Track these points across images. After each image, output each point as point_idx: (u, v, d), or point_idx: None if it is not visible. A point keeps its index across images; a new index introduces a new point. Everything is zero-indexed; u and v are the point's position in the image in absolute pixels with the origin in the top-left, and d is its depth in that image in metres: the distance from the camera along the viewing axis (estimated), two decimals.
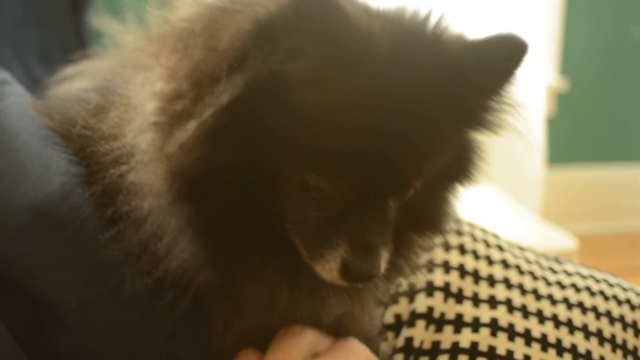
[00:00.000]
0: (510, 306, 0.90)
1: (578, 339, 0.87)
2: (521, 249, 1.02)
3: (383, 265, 0.66)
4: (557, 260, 1.02)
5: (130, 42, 0.73)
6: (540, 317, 0.89)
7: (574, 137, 3.33)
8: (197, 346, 0.72)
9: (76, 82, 0.82)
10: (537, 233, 2.22)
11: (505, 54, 0.69)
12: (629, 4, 3.28)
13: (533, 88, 2.72)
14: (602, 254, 2.99)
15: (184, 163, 0.60)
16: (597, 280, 0.96)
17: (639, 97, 3.44)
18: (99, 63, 0.83)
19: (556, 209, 3.01)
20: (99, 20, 0.80)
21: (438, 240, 0.83)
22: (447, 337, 0.86)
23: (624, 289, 0.95)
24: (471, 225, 1.01)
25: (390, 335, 0.89)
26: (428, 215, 0.76)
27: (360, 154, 0.61)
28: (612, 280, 0.97)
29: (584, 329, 0.88)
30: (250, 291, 0.69)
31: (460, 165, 0.74)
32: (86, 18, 1.48)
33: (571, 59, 3.23)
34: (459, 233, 0.98)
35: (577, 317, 0.89)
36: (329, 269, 0.65)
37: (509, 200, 2.48)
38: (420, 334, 0.87)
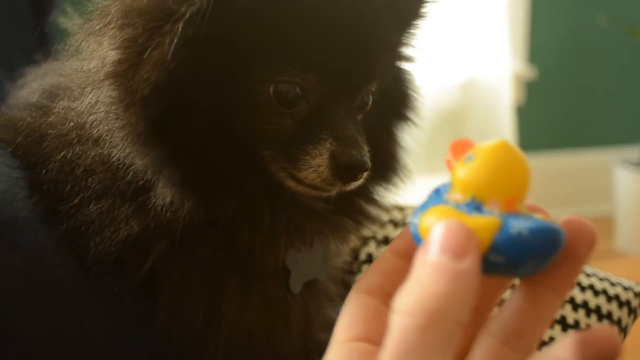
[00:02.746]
0: None
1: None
2: None
3: (369, 160, 0.69)
4: None
5: (80, 24, 0.74)
6: None
7: (543, 124, 3.36)
8: (137, 345, 0.72)
9: (28, 87, 0.83)
10: None
11: None
12: None
13: (500, 76, 2.74)
14: None
15: (157, 85, 0.64)
16: (588, 275, 0.96)
17: (606, 83, 3.48)
18: (55, 63, 0.83)
19: (528, 196, 3.03)
20: (64, 19, 0.80)
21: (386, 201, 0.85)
22: None
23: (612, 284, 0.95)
24: None
25: None
26: (383, 155, 0.79)
27: (324, 49, 0.68)
28: (601, 274, 0.98)
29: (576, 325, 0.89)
30: (234, 213, 0.70)
31: (399, 97, 0.83)
32: (50, 19, 1.46)
33: (538, 47, 3.26)
34: None
35: (570, 315, 0.90)
36: (317, 168, 0.67)
37: None
38: None
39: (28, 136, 0.74)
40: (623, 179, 2.96)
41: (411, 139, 0.88)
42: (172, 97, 0.65)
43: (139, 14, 0.66)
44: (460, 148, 0.47)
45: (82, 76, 0.71)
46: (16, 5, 1.45)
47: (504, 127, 2.70)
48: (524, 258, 0.42)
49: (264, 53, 0.67)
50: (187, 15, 0.64)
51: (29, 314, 0.68)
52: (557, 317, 0.89)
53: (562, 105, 3.41)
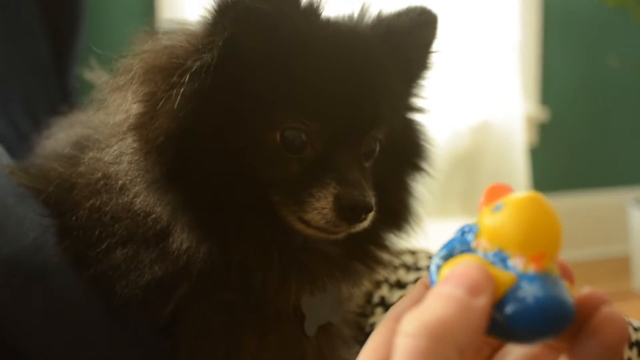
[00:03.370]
0: None
1: None
2: None
3: (373, 201, 0.71)
4: None
5: (106, 80, 0.79)
6: None
7: (557, 166, 3.36)
8: None
9: (54, 137, 0.86)
10: None
11: (415, 18, 0.83)
12: (604, 33, 3.34)
13: (513, 118, 2.75)
14: (593, 280, 3.00)
15: (170, 133, 0.68)
16: None
17: (619, 123, 3.48)
18: (81, 115, 0.87)
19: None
20: (89, 73, 0.84)
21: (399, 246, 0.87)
22: None
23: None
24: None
25: None
26: (394, 204, 0.83)
27: (325, 98, 0.72)
28: None
29: None
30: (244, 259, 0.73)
31: (410, 147, 0.86)
32: (73, 71, 1.50)
33: (550, 89, 3.27)
34: None
35: None
36: (321, 210, 0.70)
37: None
38: None
39: (59, 185, 0.77)
40: (638, 219, 2.94)
41: (424, 183, 0.90)
42: (184, 144, 0.69)
43: (158, 70, 0.71)
44: (496, 193, 0.47)
45: (109, 129, 0.75)
46: (38, 53, 1.49)
47: (517, 169, 2.71)
48: (523, 324, 0.41)
49: (269, 102, 0.71)
50: (194, 68, 0.68)
51: (59, 357, 0.70)
52: None
53: (576, 146, 3.41)
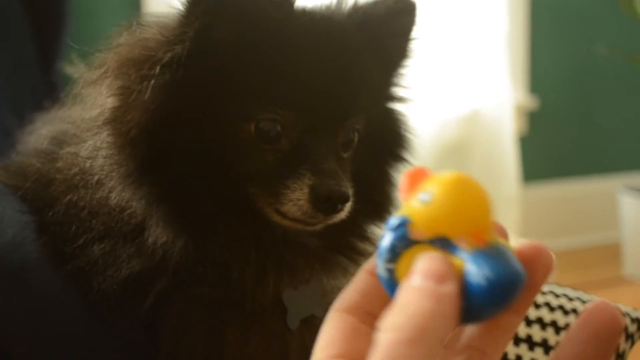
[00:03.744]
0: None
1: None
2: None
3: (350, 191, 0.71)
4: None
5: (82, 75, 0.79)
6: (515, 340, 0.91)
7: (546, 154, 3.37)
8: None
9: (36, 133, 0.86)
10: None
11: (392, 6, 0.82)
12: (592, 21, 3.34)
13: (502, 107, 2.75)
14: (584, 267, 3.01)
15: (142, 125, 0.68)
16: (557, 295, 0.97)
17: (608, 110, 3.49)
18: (61, 110, 0.87)
19: (534, 226, 3.04)
20: (71, 68, 0.84)
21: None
22: None
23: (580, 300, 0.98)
24: None
25: None
26: (375, 195, 0.82)
27: (298, 87, 0.72)
28: (572, 294, 0.99)
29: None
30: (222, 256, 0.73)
31: (391, 137, 0.86)
32: (58, 67, 1.50)
33: (539, 78, 3.28)
34: None
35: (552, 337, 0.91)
36: (297, 201, 0.70)
37: None
38: None
39: (37, 181, 0.77)
40: (628, 205, 2.96)
41: None
42: (157, 137, 0.69)
43: (132, 63, 0.71)
44: (416, 177, 0.47)
45: (85, 123, 0.75)
46: (23, 53, 1.49)
47: (507, 158, 2.71)
48: (482, 305, 0.42)
49: (243, 93, 0.71)
50: (165, 60, 0.68)
51: (39, 353, 0.70)
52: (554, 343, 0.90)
53: (565, 134, 3.42)
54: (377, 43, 0.80)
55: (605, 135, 3.51)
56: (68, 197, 0.74)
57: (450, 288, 0.41)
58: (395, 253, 0.45)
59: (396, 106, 0.88)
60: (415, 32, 0.85)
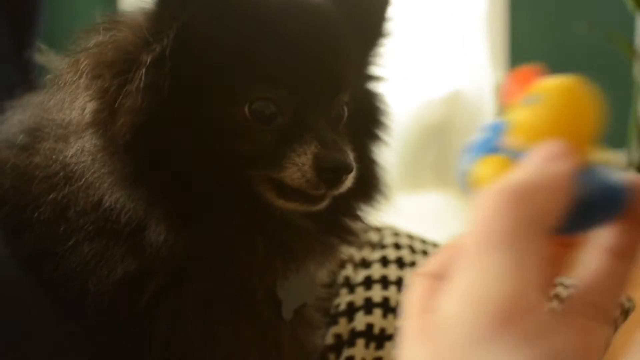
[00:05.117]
0: None
1: None
2: None
3: (354, 163, 0.70)
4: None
5: (60, 69, 0.76)
6: None
7: None
8: None
9: (9, 121, 0.83)
10: None
11: None
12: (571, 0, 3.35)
13: (483, 87, 2.76)
14: None
15: (136, 129, 0.66)
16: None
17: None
18: (34, 97, 0.84)
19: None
20: (42, 56, 0.81)
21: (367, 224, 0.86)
22: (388, 353, 0.86)
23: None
24: (410, 236, 1.04)
25: (331, 356, 0.89)
26: (363, 173, 0.79)
27: (288, 62, 0.71)
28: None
29: None
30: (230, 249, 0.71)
31: (370, 118, 0.86)
32: (31, 56, 1.47)
33: (519, 57, 3.28)
34: (397, 246, 1.00)
35: None
36: (301, 167, 0.69)
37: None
38: (361, 353, 0.87)
39: (16, 178, 0.75)
40: None
41: (395, 155, 0.89)
42: (153, 137, 0.67)
43: (105, 66, 0.69)
44: (524, 78, 0.43)
45: (64, 127, 0.73)
46: None
47: None
48: (586, 216, 0.39)
49: (233, 76, 0.70)
50: (148, 61, 0.66)
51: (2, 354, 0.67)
52: None
53: None
54: (354, 21, 0.80)
55: None
56: (51, 195, 0.72)
57: (563, 166, 0.38)
58: (476, 153, 0.42)
59: (375, 86, 0.87)
60: (394, 12, 0.84)
